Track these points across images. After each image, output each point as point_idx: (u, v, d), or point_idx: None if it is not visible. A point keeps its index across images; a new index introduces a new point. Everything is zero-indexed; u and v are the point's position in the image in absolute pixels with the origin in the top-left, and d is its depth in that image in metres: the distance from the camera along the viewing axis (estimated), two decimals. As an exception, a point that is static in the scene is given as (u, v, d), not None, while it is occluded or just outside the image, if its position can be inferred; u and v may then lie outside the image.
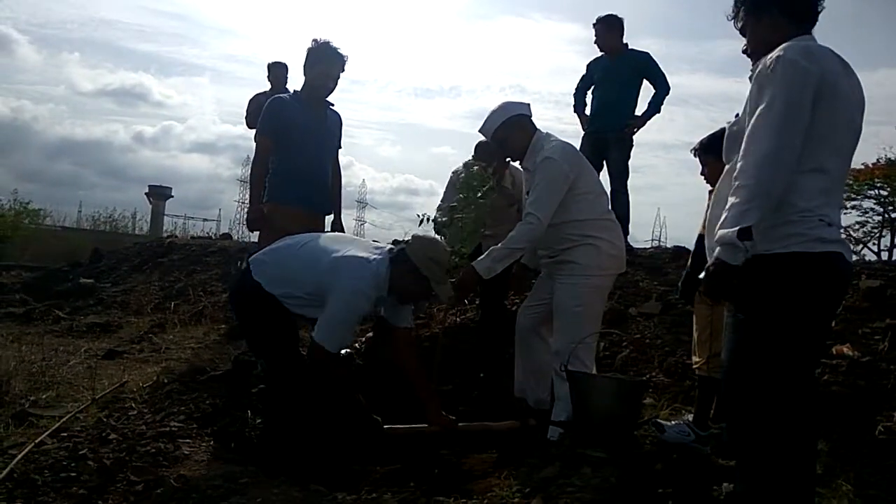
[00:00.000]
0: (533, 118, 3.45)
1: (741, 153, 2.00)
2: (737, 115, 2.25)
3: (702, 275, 2.06)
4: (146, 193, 41.00)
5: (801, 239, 1.98)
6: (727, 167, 2.27)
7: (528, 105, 3.44)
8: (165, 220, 35.96)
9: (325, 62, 3.99)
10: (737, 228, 1.90)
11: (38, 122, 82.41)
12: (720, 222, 1.99)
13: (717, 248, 1.97)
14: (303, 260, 3.02)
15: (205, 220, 37.29)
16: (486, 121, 3.40)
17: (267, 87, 7.10)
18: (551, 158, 3.24)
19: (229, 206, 50.28)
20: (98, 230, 22.96)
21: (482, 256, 3.32)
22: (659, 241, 20.96)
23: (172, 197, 42.63)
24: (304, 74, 4.07)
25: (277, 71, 7.10)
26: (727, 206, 1.98)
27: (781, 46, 2.03)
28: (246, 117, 7.14)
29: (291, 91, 4.35)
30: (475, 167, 4.05)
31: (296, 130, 3.98)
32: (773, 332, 2.03)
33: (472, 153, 4.45)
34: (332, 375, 3.05)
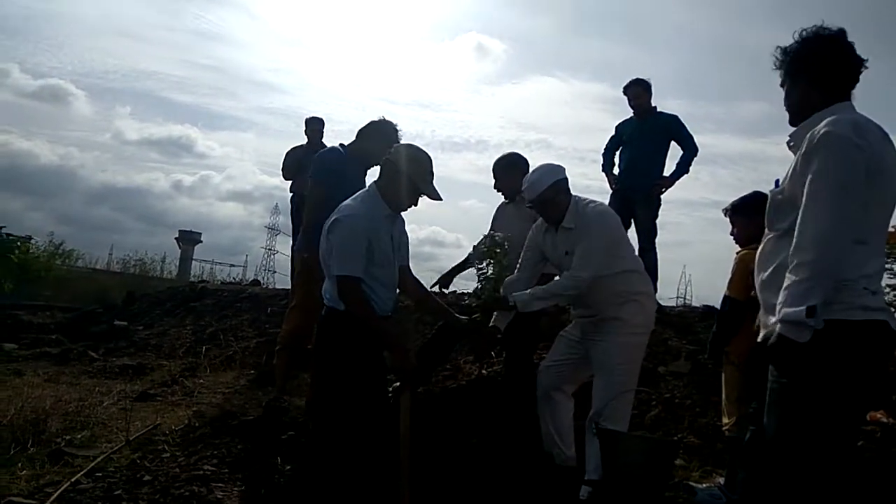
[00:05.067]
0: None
1: (798, 228, 2.02)
2: (777, 181, 2.27)
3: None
4: (176, 238, 41.85)
5: (845, 307, 2.00)
6: (768, 233, 2.28)
7: (565, 169, 3.52)
8: (193, 264, 36.56)
9: (388, 142, 4.17)
10: (804, 308, 1.91)
11: (83, 168, 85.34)
12: (781, 300, 2.00)
13: (781, 325, 1.98)
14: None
15: (231, 265, 37.76)
16: (533, 182, 3.43)
17: (304, 140, 7.36)
18: (604, 214, 3.38)
19: (257, 253, 50.92)
20: (128, 273, 23.37)
21: (524, 292, 3.37)
22: (684, 298, 20.67)
23: (201, 242, 43.46)
24: (362, 140, 4.31)
25: (314, 126, 7.36)
26: (786, 284, 2.00)
27: (828, 120, 2.06)
28: (283, 169, 7.38)
29: (339, 145, 4.54)
30: (496, 236, 4.09)
31: (347, 184, 4.13)
32: (816, 398, 2.03)
33: (492, 173, 4.48)
34: (361, 303, 2.96)
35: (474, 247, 4.54)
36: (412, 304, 3.64)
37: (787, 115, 2.32)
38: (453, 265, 4.59)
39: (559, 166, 3.51)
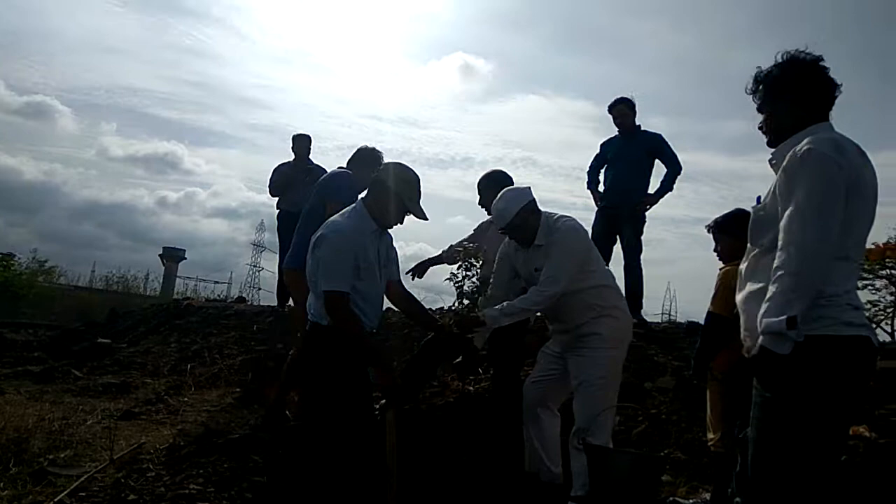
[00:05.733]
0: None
1: (781, 243, 2.06)
2: (758, 199, 2.32)
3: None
4: (160, 255, 41.56)
5: (829, 322, 2.04)
6: (751, 249, 2.32)
7: (531, 188, 3.54)
8: (177, 281, 36.30)
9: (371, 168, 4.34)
10: (784, 318, 1.95)
11: (66, 185, 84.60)
12: (762, 311, 2.03)
13: (763, 338, 2.01)
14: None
15: (216, 282, 37.61)
16: (501, 211, 3.43)
17: (290, 157, 7.39)
18: (572, 230, 3.39)
19: (242, 270, 50.62)
20: (110, 290, 23.20)
21: (493, 308, 3.38)
22: (669, 314, 20.83)
23: (185, 259, 43.18)
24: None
25: (302, 142, 7.40)
26: (768, 296, 2.03)
27: (809, 139, 2.13)
28: (270, 186, 7.39)
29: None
30: (468, 247, 4.12)
31: None
32: (801, 412, 2.06)
33: (477, 190, 4.51)
34: (348, 319, 2.97)
35: (450, 245, 4.61)
36: (404, 315, 3.67)
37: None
38: (428, 257, 4.68)
39: (524, 189, 3.53)
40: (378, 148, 4.76)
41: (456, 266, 3.82)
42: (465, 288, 3.69)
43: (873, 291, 20.94)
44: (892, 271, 20.88)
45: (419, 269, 4.56)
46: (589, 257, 3.44)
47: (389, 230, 3.30)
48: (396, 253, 3.42)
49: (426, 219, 3.24)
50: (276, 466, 3.56)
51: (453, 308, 3.76)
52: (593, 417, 3.20)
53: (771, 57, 2.33)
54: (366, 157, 4.68)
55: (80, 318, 10.84)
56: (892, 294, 21.16)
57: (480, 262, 3.78)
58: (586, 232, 3.59)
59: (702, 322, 3.72)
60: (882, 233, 20.17)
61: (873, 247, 18.92)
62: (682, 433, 4.11)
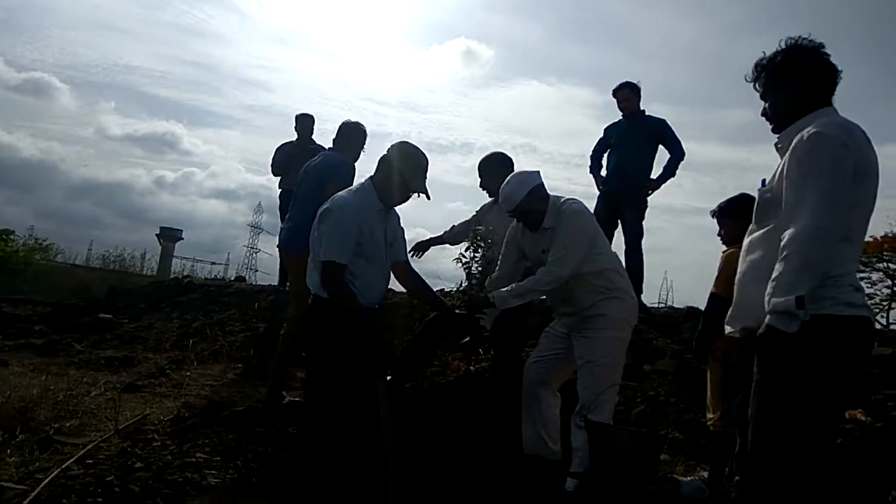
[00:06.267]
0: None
1: (789, 224, 2.08)
2: (764, 181, 2.34)
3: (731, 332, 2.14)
4: (157, 235, 41.48)
5: (832, 302, 2.07)
6: (754, 228, 2.35)
7: (540, 173, 3.57)
8: (174, 261, 36.27)
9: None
10: (793, 297, 1.97)
11: (64, 163, 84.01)
12: (769, 291, 2.06)
13: (770, 317, 2.04)
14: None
15: (213, 263, 37.61)
16: (508, 194, 3.47)
17: (290, 137, 7.39)
18: (580, 213, 3.40)
19: (239, 251, 50.55)
20: (107, 269, 23.16)
21: (504, 288, 3.41)
22: (666, 303, 20.90)
23: (182, 239, 43.13)
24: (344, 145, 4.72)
25: (304, 122, 7.39)
26: (774, 275, 2.05)
27: (815, 122, 2.16)
28: (272, 166, 7.39)
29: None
30: (478, 230, 4.14)
31: None
32: (802, 389, 2.09)
33: (478, 172, 4.51)
34: (342, 290, 3.01)
35: (452, 226, 4.64)
36: (410, 295, 3.73)
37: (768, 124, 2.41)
38: (431, 236, 4.71)
39: (533, 173, 3.55)
40: (361, 122, 4.88)
41: (464, 247, 3.84)
42: (473, 270, 3.71)
43: (869, 284, 21.02)
44: (889, 264, 20.97)
45: (420, 248, 4.59)
46: (595, 240, 3.45)
47: (396, 210, 3.33)
48: (403, 233, 3.46)
49: (429, 197, 3.25)
50: (280, 438, 3.60)
51: (461, 289, 3.78)
52: (596, 395, 3.24)
53: (773, 46, 2.35)
54: (351, 132, 4.74)
55: (76, 295, 10.83)
56: (888, 287, 21.26)
57: (489, 241, 3.81)
58: (592, 215, 3.60)
59: (701, 308, 3.77)
60: (880, 226, 20.22)
61: (871, 239, 18.98)
62: (681, 414, 4.17)
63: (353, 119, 4.84)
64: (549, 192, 3.54)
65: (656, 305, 7.32)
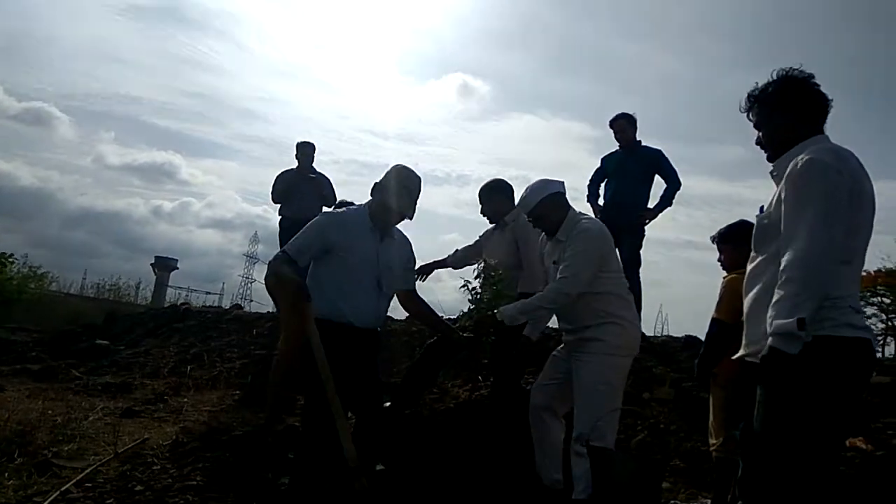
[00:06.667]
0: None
1: (787, 249, 2.13)
2: (762, 208, 2.40)
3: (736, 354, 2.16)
4: (151, 264, 41.37)
5: (832, 323, 2.10)
6: (754, 256, 2.39)
7: (563, 182, 3.64)
8: (169, 291, 36.13)
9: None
10: (795, 319, 2.00)
11: (62, 192, 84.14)
12: (771, 314, 2.09)
13: (773, 338, 2.07)
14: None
15: (208, 293, 37.48)
16: (525, 197, 3.56)
17: (287, 167, 7.48)
18: (589, 230, 3.42)
19: (235, 281, 50.42)
20: (102, 298, 23.06)
21: (509, 305, 3.44)
22: (661, 334, 20.89)
23: (177, 269, 43.00)
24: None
25: (305, 150, 7.48)
26: (775, 299, 2.09)
27: (809, 149, 2.22)
28: (272, 193, 7.45)
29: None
30: (490, 262, 4.19)
31: None
32: (805, 410, 2.11)
33: (478, 198, 4.56)
34: (273, 263, 3.19)
35: (456, 250, 4.68)
36: (416, 319, 3.81)
37: (761, 156, 2.47)
38: (434, 260, 4.76)
39: (554, 181, 3.61)
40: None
41: (474, 276, 3.90)
42: (482, 298, 3.76)
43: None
44: (883, 299, 21.08)
45: (424, 271, 4.62)
46: (606, 261, 3.44)
47: (404, 240, 3.49)
48: (412, 263, 3.59)
49: (410, 217, 3.35)
50: (279, 463, 3.58)
51: (469, 314, 3.83)
52: (593, 422, 3.23)
53: (762, 81, 2.43)
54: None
55: (70, 324, 10.78)
56: (882, 322, 21.34)
57: (499, 272, 3.87)
58: (604, 236, 3.56)
59: (700, 336, 3.80)
60: (873, 261, 20.36)
61: (865, 274, 19.11)
62: (682, 442, 4.16)
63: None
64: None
65: (654, 335, 7.30)
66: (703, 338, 3.55)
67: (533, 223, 3.63)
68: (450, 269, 4.76)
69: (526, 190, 3.59)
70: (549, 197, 3.51)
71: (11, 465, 3.56)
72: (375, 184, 3.35)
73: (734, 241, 3.39)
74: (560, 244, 3.49)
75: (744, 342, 2.39)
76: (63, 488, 3.22)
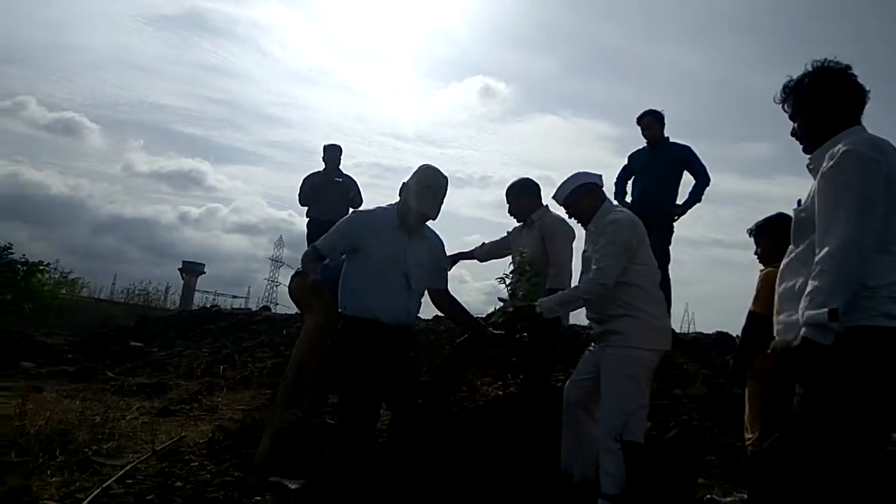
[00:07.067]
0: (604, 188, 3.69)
1: (821, 239, 2.12)
2: (799, 202, 2.38)
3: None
4: (179, 269, 41.94)
5: (870, 314, 2.07)
6: (792, 249, 2.38)
7: (601, 176, 3.67)
8: (196, 295, 36.61)
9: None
10: (826, 309, 2.00)
11: (92, 199, 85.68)
12: (803, 305, 2.08)
13: (805, 329, 2.06)
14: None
15: (234, 297, 37.95)
16: (560, 187, 3.62)
17: (309, 170, 7.59)
18: (618, 221, 3.42)
19: (260, 285, 50.98)
20: (131, 303, 23.47)
21: (547, 298, 3.47)
22: (688, 332, 20.65)
23: (204, 273, 43.54)
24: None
25: (332, 153, 7.56)
26: (808, 290, 2.08)
27: (845, 140, 2.20)
28: (300, 195, 7.53)
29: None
30: (524, 253, 4.20)
31: None
32: (842, 402, 2.08)
33: (505, 198, 4.59)
34: (305, 257, 3.48)
35: (483, 243, 4.70)
36: (449, 318, 4.13)
37: (787, 153, 2.46)
38: (459, 251, 4.81)
39: (591, 174, 3.65)
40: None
41: (509, 268, 3.94)
42: (517, 291, 3.78)
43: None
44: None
45: (450, 260, 4.65)
46: (635, 252, 3.42)
47: (436, 239, 3.55)
48: (444, 262, 3.65)
49: (434, 218, 3.42)
50: (316, 459, 3.62)
51: (505, 307, 3.85)
52: (621, 417, 3.21)
53: (785, 79, 2.43)
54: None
55: (102, 328, 11.00)
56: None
57: (535, 266, 3.89)
58: (640, 224, 3.54)
59: (731, 332, 3.76)
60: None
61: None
62: (716, 438, 4.12)
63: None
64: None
65: (683, 332, 7.23)
66: (733, 334, 3.52)
67: (567, 212, 3.68)
68: (475, 268, 4.80)
69: (563, 180, 3.65)
70: (581, 187, 3.55)
71: (53, 463, 3.65)
72: (403, 183, 3.41)
73: (770, 234, 3.36)
74: (590, 234, 3.54)
75: (776, 327, 2.36)
76: (105, 484, 3.29)
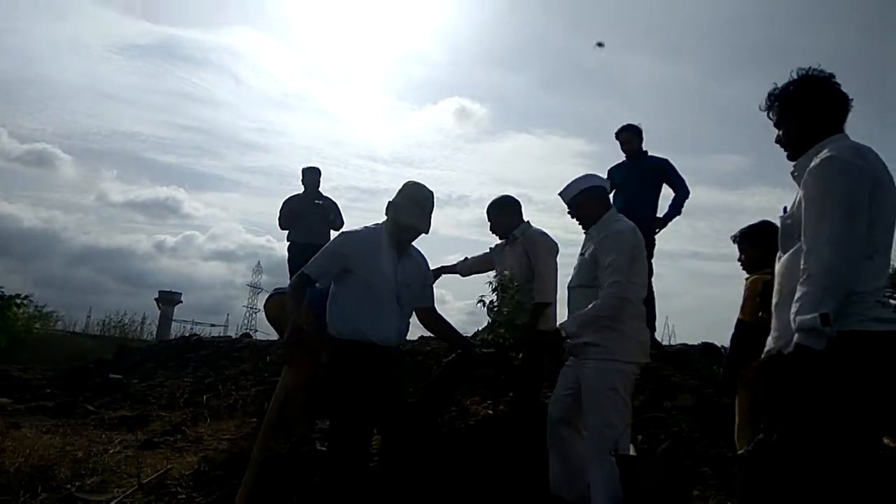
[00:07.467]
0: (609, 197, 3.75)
1: (808, 246, 2.14)
2: (785, 209, 2.42)
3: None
4: (156, 299, 41.37)
5: (858, 318, 2.10)
6: (781, 256, 2.40)
7: (609, 181, 3.69)
8: (174, 325, 36.05)
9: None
10: (818, 314, 2.01)
11: (65, 231, 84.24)
12: (794, 310, 2.09)
13: (798, 335, 2.07)
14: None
15: (212, 325, 37.45)
16: (568, 186, 3.62)
17: (286, 196, 7.55)
18: (622, 233, 3.43)
19: (239, 312, 50.35)
20: (107, 335, 23.02)
21: (568, 319, 3.45)
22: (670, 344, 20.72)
23: (181, 302, 42.98)
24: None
25: (311, 175, 7.53)
26: (797, 296, 2.10)
27: (829, 147, 2.24)
28: (279, 218, 7.48)
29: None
30: (506, 272, 4.20)
31: None
32: (833, 407, 2.09)
33: (486, 215, 4.56)
34: (292, 290, 3.46)
35: (465, 258, 4.70)
36: (437, 337, 4.15)
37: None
38: (442, 265, 4.78)
39: (599, 177, 3.70)
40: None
41: (490, 290, 3.93)
42: (502, 312, 3.77)
43: None
44: None
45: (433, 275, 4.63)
46: (633, 263, 3.41)
47: (420, 258, 3.53)
48: (430, 280, 3.63)
49: (426, 231, 3.40)
50: (305, 487, 3.56)
51: (491, 326, 3.85)
52: (609, 431, 3.20)
53: (759, 89, 2.49)
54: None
55: (78, 362, 10.77)
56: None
57: (516, 284, 3.89)
58: (640, 238, 3.55)
59: (716, 343, 3.77)
60: None
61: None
62: (707, 449, 4.11)
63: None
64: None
65: (667, 344, 7.25)
66: (719, 344, 3.54)
67: (571, 212, 3.67)
68: (456, 287, 4.80)
69: (569, 182, 3.65)
70: (589, 189, 3.56)
71: (35, 501, 3.55)
72: (389, 202, 3.39)
73: (752, 240, 3.39)
74: (591, 238, 3.53)
75: (771, 335, 2.38)
76: (90, 522, 3.19)
